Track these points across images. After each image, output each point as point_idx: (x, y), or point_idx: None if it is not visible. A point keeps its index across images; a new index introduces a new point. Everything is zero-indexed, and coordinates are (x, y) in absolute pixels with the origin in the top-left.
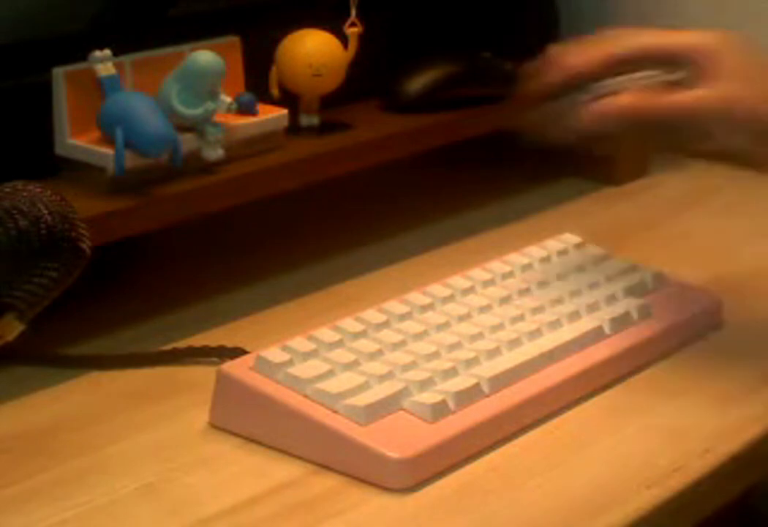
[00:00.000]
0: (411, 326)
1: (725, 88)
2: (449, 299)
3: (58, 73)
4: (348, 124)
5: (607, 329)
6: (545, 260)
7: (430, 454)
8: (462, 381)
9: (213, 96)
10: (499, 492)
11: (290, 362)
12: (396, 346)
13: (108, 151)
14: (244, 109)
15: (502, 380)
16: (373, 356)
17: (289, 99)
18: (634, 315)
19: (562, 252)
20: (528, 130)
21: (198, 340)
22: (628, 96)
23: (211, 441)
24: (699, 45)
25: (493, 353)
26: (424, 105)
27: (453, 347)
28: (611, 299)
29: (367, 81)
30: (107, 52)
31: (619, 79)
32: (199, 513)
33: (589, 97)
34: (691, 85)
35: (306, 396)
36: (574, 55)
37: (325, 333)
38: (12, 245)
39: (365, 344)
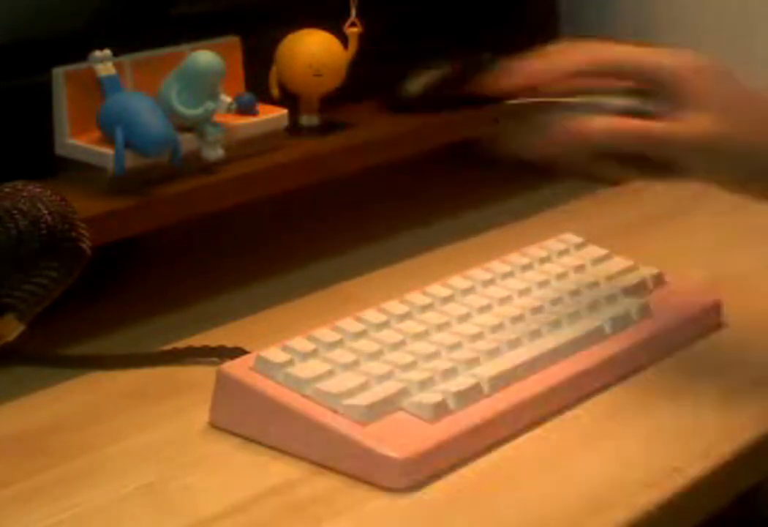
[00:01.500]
0: (411, 326)
1: (705, 122)
2: (449, 299)
3: (58, 73)
4: (348, 124)
5: (607, 329)
6: (545, 260)
7: (430, 454)
8: (462, 381)
9: (213, 96)
10: (499, 492)
11: (290, 362)
12: (396, 346)
13: (108, 151)
14: (244, 109)
15: (502, 380)
16: (373, 356)
17: (289, 99)
18: (634, 315)
19: (563, 252)
20: (492, 142)
21: (198, 340)
22: (602, 120)
23: (211, 441)
24: (676, 69)
25: (493, 353)
26: (425, 105)
27: (453, 347)
28: (611, 299)
29: (367, 81)
30: (107, 52)
31: (592, 100)
32: (199, 513)
33: (560, 115)
34: (667, 113)
35: (306, 396)
36: (543, 61)
37: (325, 333)
38: (12, 245)
39: (365, 344)
